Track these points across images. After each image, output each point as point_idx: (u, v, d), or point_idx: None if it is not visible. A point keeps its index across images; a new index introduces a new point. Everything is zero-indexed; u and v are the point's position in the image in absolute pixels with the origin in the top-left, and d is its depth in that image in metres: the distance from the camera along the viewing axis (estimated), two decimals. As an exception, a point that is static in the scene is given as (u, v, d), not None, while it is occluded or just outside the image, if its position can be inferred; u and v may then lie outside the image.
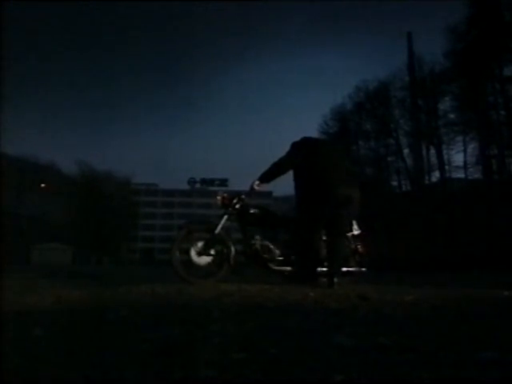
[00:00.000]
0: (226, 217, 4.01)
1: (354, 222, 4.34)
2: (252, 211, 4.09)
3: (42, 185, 52.81)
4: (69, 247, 48.19)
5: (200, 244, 3.84)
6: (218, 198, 4.12)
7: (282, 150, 4.12)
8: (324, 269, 3.90)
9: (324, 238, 3.93)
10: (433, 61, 27.98)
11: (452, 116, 26.85)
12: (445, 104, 27.74)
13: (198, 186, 75.81)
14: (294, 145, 4.03)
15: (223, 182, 74.43)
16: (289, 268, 3.98)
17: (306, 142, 4.08)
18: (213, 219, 4.20)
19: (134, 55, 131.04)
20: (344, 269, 4.05)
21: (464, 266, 13.17)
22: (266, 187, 4.02)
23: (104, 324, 1.73)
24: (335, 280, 3.72)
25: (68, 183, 53.95)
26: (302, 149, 3.97)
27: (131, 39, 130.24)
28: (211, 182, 75.40)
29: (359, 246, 4.30)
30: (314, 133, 33.50)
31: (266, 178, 3.94)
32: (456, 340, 1.35)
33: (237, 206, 4.05)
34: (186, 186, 75.76)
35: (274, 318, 1.81)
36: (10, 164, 44.06)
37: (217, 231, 3.90)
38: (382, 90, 31.53)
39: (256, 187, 3.93)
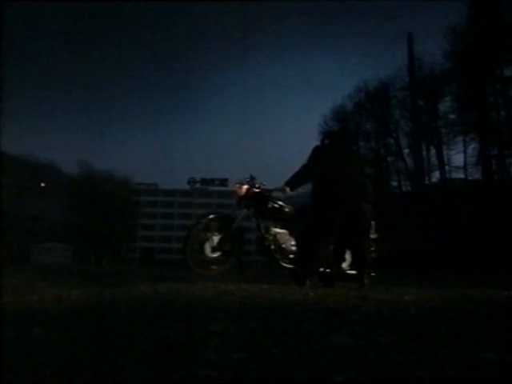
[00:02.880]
0: (244, 210, 3.97)
1: (372, 225, 4.33)
2: (270, 205, 4.03)
3: (42, 184, 52.81)
4: (69, 247, 48.20)
5: (216, 239, 3.78)
6: (244, 187, 4.01)
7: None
8: (353, 272, 3.98)
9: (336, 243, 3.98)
10: (433, 61, 28.07)
11: (452, 116, 26.93)
12: (445, 104, 27.84)
13: (198, 185, 75.82)
14: (316, 150, 3.97)
15: (223, 182, 74.41)
16: (298, 266, 3.97)
17: (327, 147, 4.05)
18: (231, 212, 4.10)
19: (134, 55, 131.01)
20: (350, 272, 4.06)
21: (464, 266, 13.17)
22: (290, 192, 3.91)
23: (104, 323, 1.73)
24: (366, 282, 3.77)
25: (68, 183, 53.94)
26: (322, 155, 3.93)
27: (131, 39, 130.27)
28: (211, 181, 75.41)
29: (373, 250, 4.28)
30: (314, 133, 33.46)
31: (294, 184, 3.87)
32: (456, 340, 1.35)
33: (255, 199, 3.98)
34: (186, 186, 75.81)
35: (274, 317, 1.81)
36: (10, 164, 44.05)
37: (234, 225, 3.86)
38: (382, 90, 31.56)
39: (286, 193, 3.82)
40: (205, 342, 1.29)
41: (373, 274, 4.24)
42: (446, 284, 4.93)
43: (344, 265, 4.12)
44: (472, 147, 25.77)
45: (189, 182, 75.71)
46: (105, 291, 2.97)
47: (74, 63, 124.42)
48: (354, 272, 4.00)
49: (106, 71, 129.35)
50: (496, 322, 1.78)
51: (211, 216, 3.93)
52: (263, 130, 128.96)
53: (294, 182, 3.86)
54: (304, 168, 3.87)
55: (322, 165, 3.84)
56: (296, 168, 3.91)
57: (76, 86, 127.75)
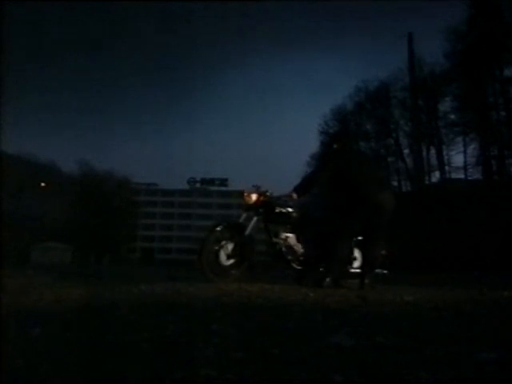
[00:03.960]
0: (255, 218, 4.06)
1: None
2: (277, 210, 4.11)
3: (42, 184, 52.83)
4: (68, 247, 48.16)
5: (230, 246, 3.88)
6: (254, 196, 4.11)
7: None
8: (357, 270, 3.99)
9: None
10: (433, 61, 28.04)
11: (452, 117, 26.89)
12: (445, 105, 27.80)
13: (198, 185, 75.82)
14: (325, 156, 4.02)
15: (223, 182, 74.43)
16: (310, 268, 4.01)
17: (336, 152, 4.08)
18: (242, 220, 4.20)
19: (134, 55, 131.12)
20: (355, 271, 4.07)
21: (464, 267, 13.17)
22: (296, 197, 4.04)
23: (104, 324, 1.73)
24: (366, 282, 3.76)
25: (68, 183, 53.93)
26: (334, 159, 3.97)
27: (132, 39, 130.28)
28: (211, 181, 75.42)
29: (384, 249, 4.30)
30: (314, 133, 33.48)
31: (302, 190, 3.96)
32: (456, 340, 1.35)
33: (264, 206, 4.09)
34: (186, 186, 75.79)
35: (274, 317, 1.81)
36: (10, 163, 44.04)
37: (247, 233, 3.97)
38: (383, 90, 31.54)
39: (292, 199, 3.97)
40: (205, 342, 1.29)
41: (385, 272, 4.26)
42: (446, 284, 4.93)
43: (355, 264, 4.14)
44: (472, 147, 25.76)
45: (189, 182, 75.70)
46: (105, 291, 2.97)
47: (74, 63, 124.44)
48: (357, 271, 4.01)
49: (106, 71, 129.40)
50: (496, 322, 1.79)
51: (222, 225, 4.02)
52: (263, 130, 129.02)
53: (303, 188, 3.97)
54: (314, 174, 3.95)
55: (334, 170, 3.88)
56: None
57: (76, 86, 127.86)
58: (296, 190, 3.95)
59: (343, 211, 3.85)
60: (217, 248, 3.84)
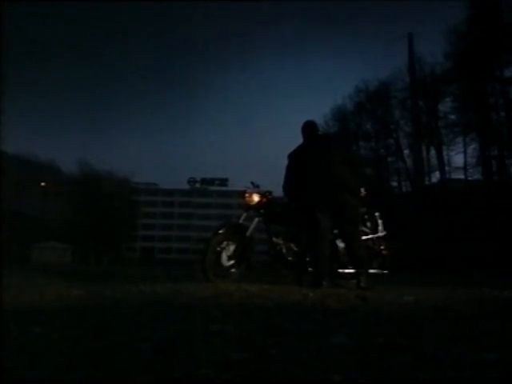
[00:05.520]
0: (257, 219, 4.08)
1: (380, 223, 4.33)
2: (278, 211, 4.15)
3: (42, 183, 52.85)
4: (68, 247, 48.13)
5: (231, 248, 3.91)
6: (255, 197, 4.11)
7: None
8: (350, 270, 3.98)
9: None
10: (433, 62, 28.00)
11: (452, 117, 26.84)
12: (445, 105, 27.75)
13: (197, 185, 75.80)
14: (289, 156, 4.05)
15: (223, 182, 74.42)
16: (309, 269, 4.02)
17: (298, 150, 4.03)
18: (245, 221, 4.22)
19: (134, 55, 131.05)
20: (349, 271, 4.05)
21: (464, 267, 13.17)
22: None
23: (104, 323, 1.73)
24: (362, 279, 3.72)
25: (68, 182, 53.92)
26: (295, 160, 3.99)
27: (132, 39, 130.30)
28: (211, 181, 75.41)
29: (383, 248, 4.28)
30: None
31: (290, 197, 4.09)
32: (456, 340, 1.35)
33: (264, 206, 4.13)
34: (186, 186, 75.76)
35: (274, 318, 1.81)
36: (10, 163, 44.05)
37: (248, 234, 4.00)
38: (383, 90, 31.51)
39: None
40: (205, 342, 1.29)
41: (385, 272, 4.24)
42: (446, 284, 4.93)
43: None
44: (472, 148, 25.73)
45: (189, 182, 75.67)
46: (105, 291, 2.97)
47: (74, 63, 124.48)
48: (352, 270, 3.99)
49: (106, 71, 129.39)
50: (495, 322, 1.78)
51: (225, 227, 4.05)
52: (263, 130, 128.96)
53: (288, 196, 4.08)
54: (284, 188, 4.04)
55: (296, 170, 3.92)
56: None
57: (76, 86, 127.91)
58: (288, 198, 4.06)
59: (302, 209, 3.88)
60: (219, 249, 3.86)
